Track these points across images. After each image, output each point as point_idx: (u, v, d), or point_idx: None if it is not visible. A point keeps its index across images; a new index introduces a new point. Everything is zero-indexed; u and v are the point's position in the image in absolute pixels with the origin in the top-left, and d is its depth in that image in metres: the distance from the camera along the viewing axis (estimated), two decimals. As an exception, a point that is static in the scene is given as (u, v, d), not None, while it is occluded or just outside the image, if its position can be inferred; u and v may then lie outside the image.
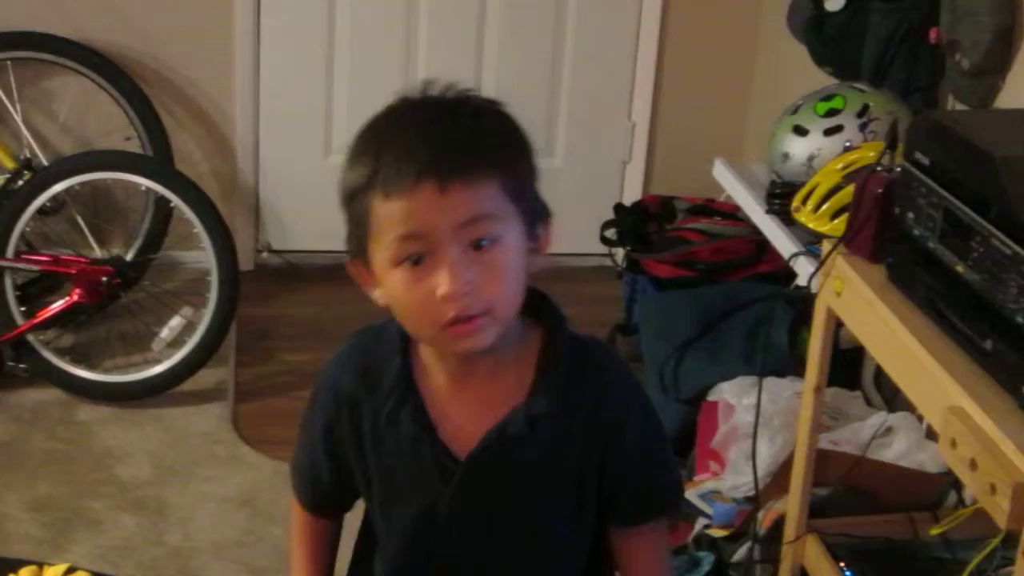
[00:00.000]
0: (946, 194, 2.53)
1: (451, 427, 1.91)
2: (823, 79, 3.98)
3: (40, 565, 2.26)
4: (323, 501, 2.13)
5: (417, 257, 1.75)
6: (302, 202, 5.30)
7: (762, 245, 4.37)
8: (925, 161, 2.62)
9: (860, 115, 3.56)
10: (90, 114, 4.98)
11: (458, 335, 1.78)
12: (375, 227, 1.77)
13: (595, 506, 1.98)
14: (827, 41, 4.03)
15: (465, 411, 1.91)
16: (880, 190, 2.83)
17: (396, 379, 1.91)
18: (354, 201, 1.80)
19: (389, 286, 1.80)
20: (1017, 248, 2.30)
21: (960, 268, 2.48)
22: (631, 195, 5.38)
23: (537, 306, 1.92)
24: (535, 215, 1.84)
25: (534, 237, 1.84)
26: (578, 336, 1.96)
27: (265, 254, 5.37)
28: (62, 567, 2.24)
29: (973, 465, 2.25)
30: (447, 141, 1.75)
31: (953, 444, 2.32)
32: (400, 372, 1.91)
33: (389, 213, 1.75)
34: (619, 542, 2.04)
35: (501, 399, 1.90)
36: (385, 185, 1.74)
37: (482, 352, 1.83)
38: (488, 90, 5.30)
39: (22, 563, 2.26)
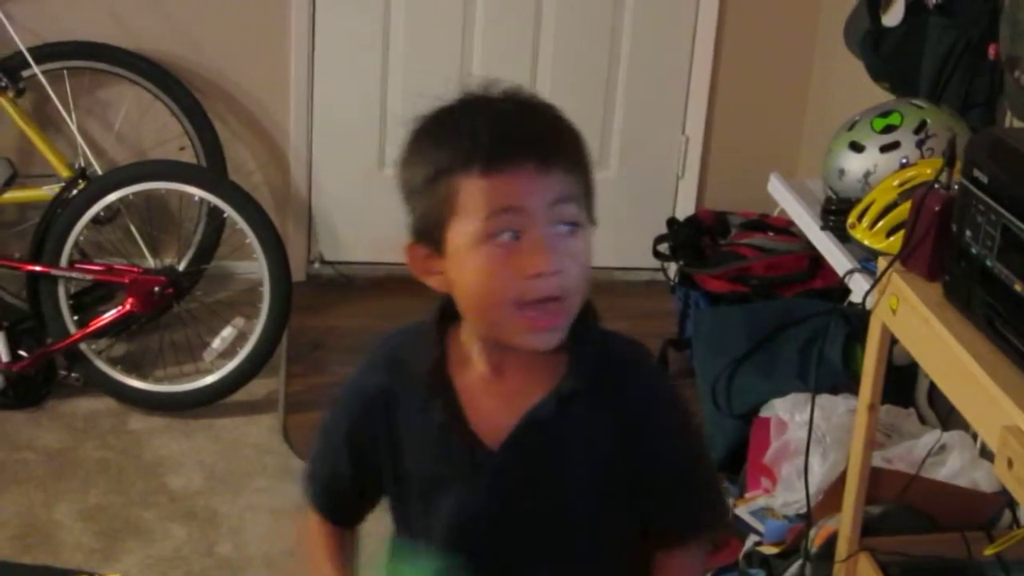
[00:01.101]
0: (1005, 212, 2.50)
1: (483, 419, 1.91)
2: (880, 94, 3.95)
3: (92, 575, 2.27)
4: (342, 509, 2.12)
5: (510, 232, 1.77)
6: (355, 213, 5.32)
7: (816, 261, 4.35)
8: (984, 179, 2.59)
9: (917, 131, 3.52)
10: (145, 124, 5.00)
11: (535, 320, 1.80)
12: (463, 204, 1.78)
13: (625, 508, 1.98)
14: (884, 56, 4.00)
15: (498, 403, 1.92)
16: (937, 207, 2.80)
17: (429, 370, 1.91)
18: (437, 181, 1.80)
19: (469, 265, 1.80)
20: (1077, 267, 2.28)
21: (1018, 286, 2.46)
22: (684, 209, 5.37)
23: None
24: (592, 209, 1.87)
25: None
26: (609, 330, 1.97)
27: (317, 265, 5.38)
28: (113, 577, 2.25)
29: (1030, 486, 2.23)
30: (545, 126, 1.82)
31: (1010, 464, 2.30)
32: (434, 363, 1.91)
33: (485, 188, 1.77)
34: (656, 567, 2.04)
35: (534, 390, 1.91)
36: (485, 162, 1.76)
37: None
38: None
39: (74, 573, 2.28)
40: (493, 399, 1.92)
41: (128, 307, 4.38)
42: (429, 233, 1.84)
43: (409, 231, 1.89)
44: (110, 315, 4.41)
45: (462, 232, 1.79)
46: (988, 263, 2.56)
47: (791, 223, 4.23)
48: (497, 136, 1.78)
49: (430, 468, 1.96)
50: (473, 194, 1.77)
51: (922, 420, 3.89)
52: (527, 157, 1.77)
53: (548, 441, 1.91)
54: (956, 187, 2.76)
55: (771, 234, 4.68)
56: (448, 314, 1.93)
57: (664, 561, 2.04)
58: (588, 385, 1.90)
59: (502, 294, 1.79)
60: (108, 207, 4.37)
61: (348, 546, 2.15)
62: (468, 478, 1.93)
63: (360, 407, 2.00)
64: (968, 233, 2.63)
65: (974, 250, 2.61)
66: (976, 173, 2.61)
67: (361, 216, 5.31)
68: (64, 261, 4.31)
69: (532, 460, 1.92)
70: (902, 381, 3.89)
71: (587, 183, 1.84)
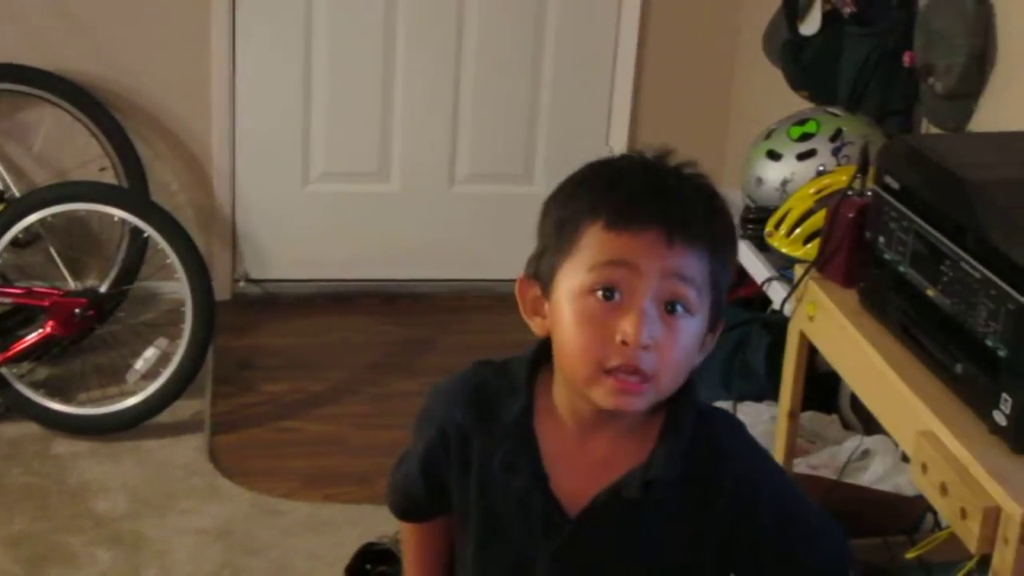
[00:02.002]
0: (916, 218, 2.52)
1: (564, 481, 1.88)
2: (801, 104, 3.98)
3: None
4: (415, 511, 2.12)
5: (611, 290, 1.74)
6: (280, 231, 5.29)
7: (742, 270, 4.36)
8: (895, 185, 2.61)
9: (833, 139, 3.55)
10: (65, 145, 4.96)
11: (616, 389, 1.76)
12: (579, 251, 1.78)
13: None
14: (803, 65, 4.03)
15: (582, 467, 1.88)
16: (852, 215, 2.82)
17: (515, 423, 1.88)
18: (565, 224, 1.80)
19: (567, 314, 1.78)
20: (987, 272, 2.30)
21: (931, 292, 2.47)
22: (611, 221, 5.35)
23: None
24: (718, 313, 1.84)
25: (707, 333, 1.84)
26: (704, 406, 1.95)
27: (243, 283, 5.35)
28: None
29: (944, 490, 2.24)
30: (688, 205, 1.78)
31: (924, 469, 2.31)
32: (520, 416, 1.88)
33: (604, 240, 1.76)
34: None
35: (619, 461, 1.87)
36: (612, 217, 1.75)
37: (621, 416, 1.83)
38: (467, 118, 5.30)
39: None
40: (578, 461, 1.89)
41: (49, 330, 4.34)
42: (543, 273, 1.83)
43: (527, 266, 1.88)
44: (31, 338, 4.36)
45: (570, 278, 1.78)
46: (901, 269, 2.58)
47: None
48: (633, 194, 1.77)
49: (497, 520, 1.93)
50: (591, 243, 1.76)
51: (845, 426, 3.91)
52: (655, 223, 1.74)
53: (628, 518, 1.88)
54: (869, 194, 2.77)
55: (695, 244, 4.68)
56: (541, 358, 1.90)
57: None
58: (677, 471, 1.86)
59: (588, 352, 1.76)
60: (27, 229, 4.34)
61: (436, 538, 2.13)
62: (535, 540, 1.90)
63: (438, 433, 1.98)
64: (881, 240, 2.65)
65: (887, 256, 2.62)
66: (888, 180, 2.63)
67: (286, 234, 5.29)
68: (-17, 285, 4.27)
69: (608, 534, 1.89)
70: (826, 388, 3.91)
71: (715, 276, 1.80)
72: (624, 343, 1.73)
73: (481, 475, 1.92)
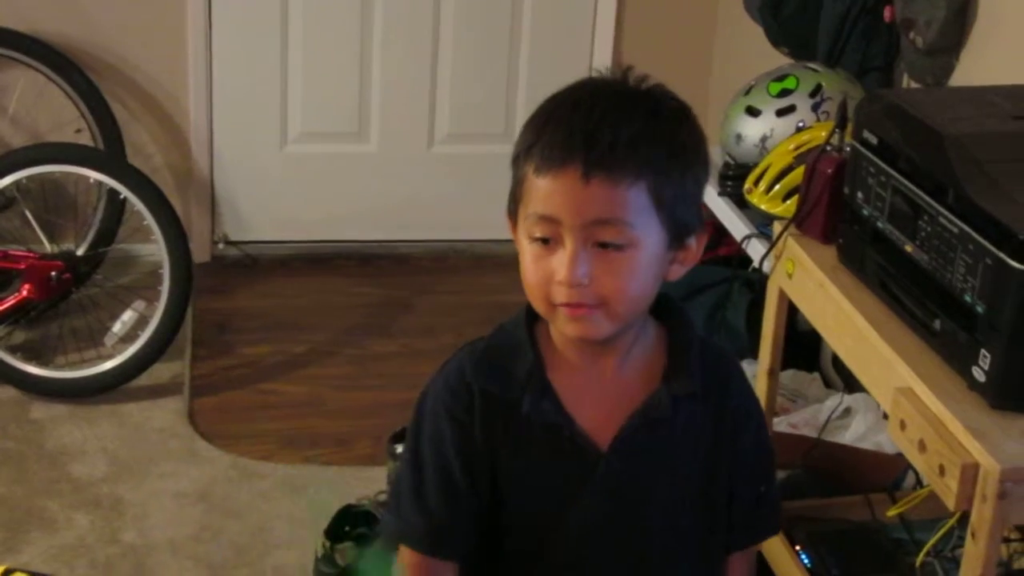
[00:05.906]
0: (894, 173, 2.51)
1: (586, 419, 1.90)
2: (782, 60, 3.95)
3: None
4: (457, 536, 1.95)
5: (545, 239, 1.79)
6: (259, 193, 5.27)
7: (722, 228, 4.34)
8: (873, 140, 2.60)
9: (813, 95, 3.53)
10: (40, 107, 4.92)
11: (568, 317, 1.81)
12: (524, 195, 1.82)
13: (723, 511, 2.00)
14: (783, 21, 4.01)
15: (597, 403, 1.91)
16: (830, 170, 2.81)
17: (530, 371, 1.89)
18: (516, 163, 1.84)
19: (523, 253, 1.85)
20: (965, 227, 2.28)
21: (909, 248, 2.46)
22: (592, 180, 5.33)
23: (660, 307, 1.93)
24: (684, 227, 1.84)
25: (679, 247, 1.85)
26: (702, 334, 2.00)
27: (222, 245, 5.32)
28: (-2, 569, 2.21)
29: (922, 447, 2.24)
30: (607, 134, 1.76)
31: (902, 425, 2.31)
32: (534, 364, 1.90)
33: (535, 187, 1.79)
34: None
35: (632, 391, 1.90)
36: (538, 159, 1.78)
37: (599, 342, 1.86)
38: (446, 77, 5.25)
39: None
40: (592, 397, 1.91)
41: (25, 293, 4.33)
42: (511, 210, 1.88)
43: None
44: (7, 302, 4.35)
45: (520, 220, 1.84)
46: (879, 225, 2.57)
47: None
48: (557, 136, 1.78)
49: (530, 475, 1.93)
50: (528, 189, 1.81)
51: (827, 384, 3.90)
52: (571, 166, 1.75)
53: (658, 440, 1.91)
54: (848, 149, 2.76)
55: (676, 202, 4.67)
56: (534, 312, 1.92)
57: (733, 560, 2.07)
58: (699, 383, 1.91)
59: (537, 290, 1.82)
60: (2, 192, 4.32)
61: None
62: (574, 481, 1.91)
63: (464, 407, 1.91)
64: (860, 195, 2.64)
65: (865, 212, 2.61)
66: (866, 135, 2.62)
67: (265, 195, 5.27)
68: (-43, 248, 4.25)
69: (643, 460, 1.91)
70: (807, 346, 3.90)
71: (659, 194, 1.78)
72: (561, 283, 1.79)
73: (507, 433, 1.91)
